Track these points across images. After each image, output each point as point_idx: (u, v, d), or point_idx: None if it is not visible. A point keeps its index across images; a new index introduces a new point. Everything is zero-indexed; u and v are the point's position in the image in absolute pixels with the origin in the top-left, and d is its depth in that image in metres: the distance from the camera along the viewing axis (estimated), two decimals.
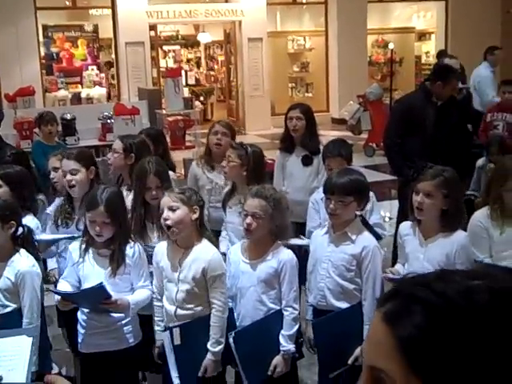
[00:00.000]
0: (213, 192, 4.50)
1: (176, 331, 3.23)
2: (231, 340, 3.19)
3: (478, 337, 0.85)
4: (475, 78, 9.24)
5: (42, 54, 14.48)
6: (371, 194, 3.85)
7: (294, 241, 3.71)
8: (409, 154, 5.46)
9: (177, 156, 8.37)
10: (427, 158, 4.83)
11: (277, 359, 3.30)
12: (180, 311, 3.29)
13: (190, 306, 3.28)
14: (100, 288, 3.16)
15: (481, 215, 3.71)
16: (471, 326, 0.86)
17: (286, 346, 3.30)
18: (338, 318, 3.29)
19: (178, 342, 3.24)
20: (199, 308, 3.29)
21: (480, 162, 6.07)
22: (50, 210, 4.06)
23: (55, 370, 4.35)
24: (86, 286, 3.34)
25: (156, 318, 3.45)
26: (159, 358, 3.42)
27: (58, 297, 3.34)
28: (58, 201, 4.08)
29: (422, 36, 18.18)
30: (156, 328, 3.44)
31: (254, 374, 3.28)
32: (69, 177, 3.87)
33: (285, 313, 3.32)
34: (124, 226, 3.38)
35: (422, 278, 0.96)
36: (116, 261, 3.32)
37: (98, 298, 3.25)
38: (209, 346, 3.26)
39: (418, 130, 5.50)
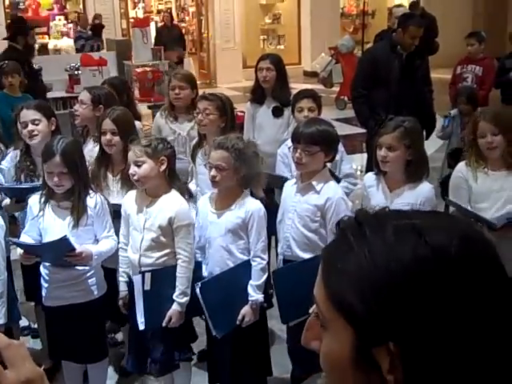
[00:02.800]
0: (175, 143, 4.44)
1: (147, 276, 3.25)
2: (197, 290, 3.20)
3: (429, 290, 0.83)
4: None
5: (7, 2, 14.05)
6: (340, 144, 3.83)
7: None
8: (375, 105, 5.48)
9: (145, 109, 8.27)
10: (392, 110, 4.86)
11: (245, 309, 3.32)
12: (144, 259, 3.29)
13: (153, 254, 3.29)
14: (64, 240, 3.12)
15: (462, 166, 3.71)
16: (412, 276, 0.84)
17: (255, 295, 3.32)
18: (300, 267, 3.30)
19: (147, 287, 3.26)
20: (164, 258, 3.30)
21: (453, 111, 6.09)
22: (5, 165, 3.91)
23: (24, 322, 4.34)
24: (47, 239, 3.30)
25: (120, 269, 3.44)
26: (125, 309, 3.43)
27: (20, 250, 3.30)
28: (12, 154, 3.95)
29: None
30: (120, 279, 3.44)
31: (222, 324, 3.30)
32: (30, 127, 3.79)
33: (253, 263, 3.33)
34: (83, 177, 3.33)
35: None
36: (77, 212, 3.28)
37: (61, 251, 3.21)
38: (175, 296, 3.27)
39: (383, 81, 5.51)
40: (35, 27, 14.05)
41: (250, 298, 3.32)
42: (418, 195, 3.34)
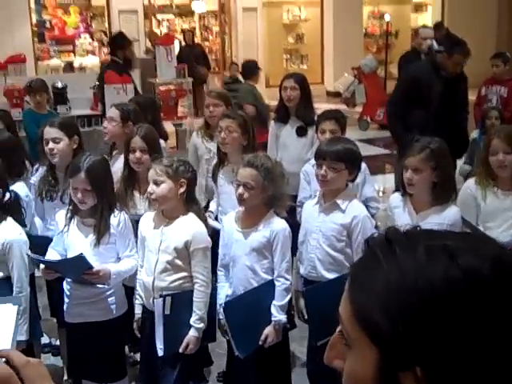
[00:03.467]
0: (211, 161, 4.45)
1: (168, 300, 3.19)
2: (221, 310, 3.16)
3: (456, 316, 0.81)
4: None
5: (34, 21, 14.27)
6: (364, 166, 3.81)
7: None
8: (410, 124, 5.40)
9: (169, 126, 8.32)
10: (428, 131, 4.81)
11: (268, 329, 3.27)
12: (158, 282, 3.23)
13: (168, 278, 3.23)
14: (80, 258, 3.13)
15: (471, 182, 3.69)
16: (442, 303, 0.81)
17: (278, 316, 3.28)
18: (329, 285, 3.26)
19: (168, 311, 3.19)
20: (178, 282, 3.24)
21: (474, 134, 6.03)
22: (34, 180, 3.99)
23: (46, 339, 4.33)
24: (70, 255, 3.31)
25: (136, 292, 3.39)
26: (139, 332, 3.38)
27: (42, 265, 3.31)
28: (41, 170, 4.01)
29: (419, 8, 18.01)
30: (136, 302, 3.39)
31: (245, 344, 3.26)
32: (51, 145, 3.81)
33: (277, 283, 3.29)
34: (107, 195, 3.32)
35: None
36: (98, 230, 3.27)
37: (78, 269, 3.22)
38: (192, 322, 3.22)
39: (423, 101, 5.43)
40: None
41: (273, 319, 3.28)
42: (445, 218, 3.29)
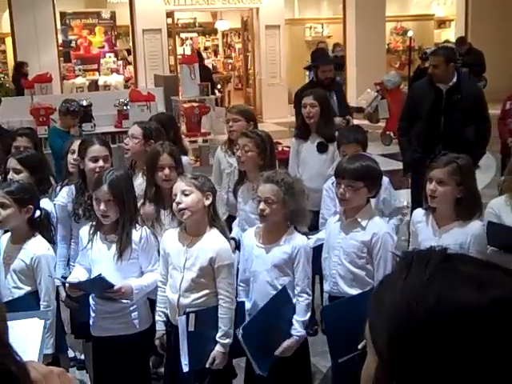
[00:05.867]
0: (231, 176, 4.50)
1: (192, 316, 3.20)
2: (240, 336, 3.16)
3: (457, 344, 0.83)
4: None
5: (60, 41, 14.51)
6: (386, 180, 3.81)
7: None
8: (414, 138, 5.59)
9: (192, 144, 8.39)
10: (422, 144, 4.96)
11: (287, 343, 3.27)
12: (183, 300, 3.24)
13: (192, 295, 3.24)
14: (99, 279, 3.18)
15: (495, 201, 3.66)
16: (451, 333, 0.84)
17: (300, 330, 3.28)
18: (349, 303, 3.27)
19: (192, 328, 3.20)
20: (202, 299, 3.24)
21: None
22: (62, 201, 3.90)
23: (70, 353, 4.38)
24: (94, 271, 3.35)
25: (158, 309, 3.40)
26: (162, 349, 3.40)
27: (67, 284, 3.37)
28: (68, 190, 3.93)
29: (442, 23, 17.98)
30: (157, 318, 3.39)
31: (265, 362, 3.26)
32: (101, 163, 3.80)
33: (299, 299, 3.30)
34: (129, 209, 3.36)
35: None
36: (120, 243, 3.31)
37: (100, 288, 3.28)
38: (218, 337, 3.23)
39: (420, 115, 5.54)
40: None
41: (296, 333, 3.28)
42: (468, 233, 3.28)
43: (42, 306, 3.34)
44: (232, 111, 4.83)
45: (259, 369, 3.22)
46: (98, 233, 3.40)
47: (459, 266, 0.89)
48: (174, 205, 3.24)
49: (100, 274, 3.19)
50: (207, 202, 3.25)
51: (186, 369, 3.21)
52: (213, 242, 3.23)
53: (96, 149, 3.85)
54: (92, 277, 3.33)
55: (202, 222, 3.28)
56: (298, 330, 3.29)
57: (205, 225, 3.28)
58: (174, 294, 3.27)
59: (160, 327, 3.38)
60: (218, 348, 3.23)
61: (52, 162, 5.22)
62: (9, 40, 14.36)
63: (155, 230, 3.62)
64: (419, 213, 3.53)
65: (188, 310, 3.21)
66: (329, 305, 3.48)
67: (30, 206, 3.42)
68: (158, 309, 3.41)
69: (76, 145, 4.13)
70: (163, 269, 3.39)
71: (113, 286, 3.21)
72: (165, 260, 3.37)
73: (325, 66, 6.42)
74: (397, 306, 0.87)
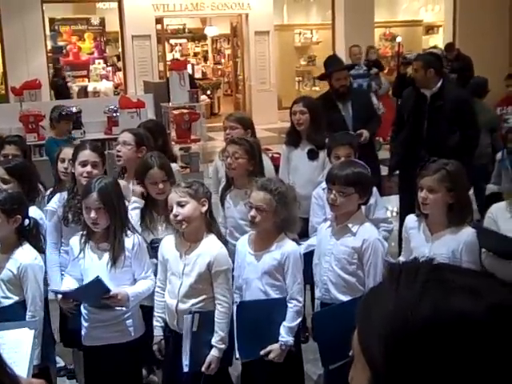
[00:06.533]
0: None
1: (196, 317, 3.22)
2: (235, 308, 3.20)
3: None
4: None
5: (49, 47, 14.47)
6: (374, 189, 3.82)
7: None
8: (399, 143, 5.77)
9: (182, 151, 8.38)
10: (408, 149, 5.29)
11: (273, 346, 3.28)
12: (181, 305, 3.26)
13: (191, 300, 3.26)
14: (97, 282, 3.16)
15: (496, 206, 3.64)
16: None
17: (286, 337, 3.29)
18: (339, 310, 3.27)
19: (195, 328, 3.23)
20: (200, 304, 3.26)
21: (499, 155, 6.00)
22: (53, 207, 3.89)
23: (61, 363, 4.35)
24: (86, 280, 3.33)
25: (156, 314, 3.41)
26: (160, 354, 3.40)
27: (60, 295, 3.36)
28: (60, 197, 3.92)
29: (430, 29, 18.06)
30: (155, 323, 3.40)
31: (247, 349, 3.29)
32: (89, 168, 3.78)
33: (289, 305, 3.31)
34: (120, 215, 3.35)
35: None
36: (113, 251, 3.30)
37: (97, 293, 3.25)
38: (214, 342, 3.24)
39: (406, 120, 5.64)
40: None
41: (281, 339, 3.28)
42: (460, 240, 3.29)
43: (27, 316, 3.31)
44: (229, 119, 4.82)
45: (239, 351, 3.27)
46: (90, 242, 3.38)
47: (449, 276, 0.89)
48: (172, 217, 3.25)
49: (98, 276, 3.16)
50: (204, 209, 3.27)
51: (186, 369, 3.25)
52: (210, 248, 3.26)
53: (85, 154, 3.84)
54: (88, 281, 3.28)
55: (200, 229, 3.30)
56: (283, 335, 3.28)
57: (202, 230, 3.31)
58: (173, 299, 3.29)
59: (158, 332, 3.39)
60: (213, 352, 3.24)
61: (53, 172, 5.07)
62: None
63: (149, 238, 3.64)
64: (412, 219, 3.53)
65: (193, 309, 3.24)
66: (319, 311, 3.49)
67: (19, 216, 3.39)
68: (156, 314, 3.41)
69: (65, 153, 4.13)
70: (161, 274, 3.41)
71: (109, 290, 3.20)
72: (163, 266, 3.39)
73: (338, 73, 5.92)
74: (390, 317, 0.86)
